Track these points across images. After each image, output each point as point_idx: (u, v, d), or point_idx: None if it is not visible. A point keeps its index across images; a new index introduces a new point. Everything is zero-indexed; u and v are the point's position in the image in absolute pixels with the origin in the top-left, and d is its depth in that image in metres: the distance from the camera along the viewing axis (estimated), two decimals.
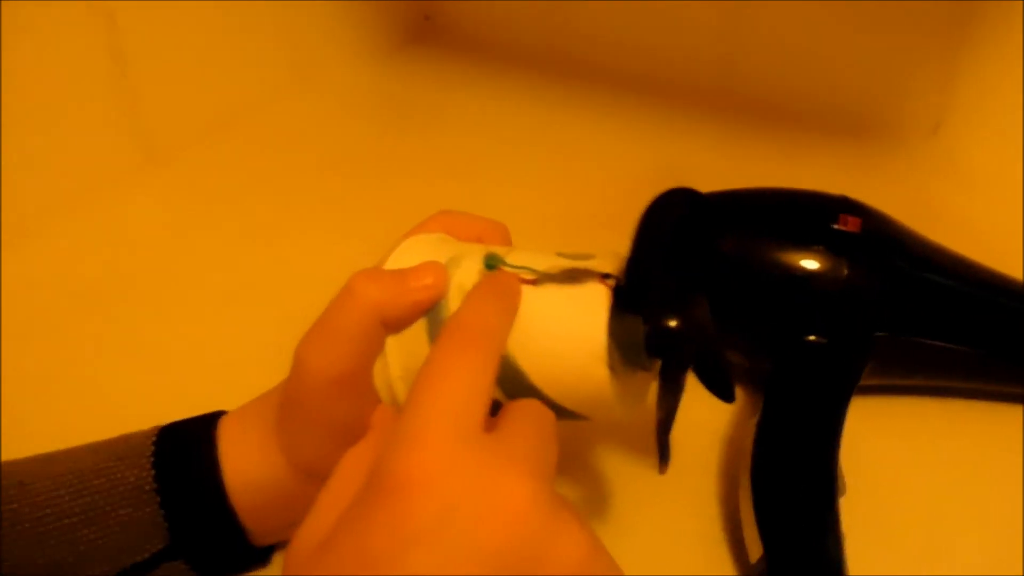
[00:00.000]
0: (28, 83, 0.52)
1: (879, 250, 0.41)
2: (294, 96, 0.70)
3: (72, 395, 0.45)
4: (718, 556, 0.38)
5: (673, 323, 0.31)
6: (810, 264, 0.40)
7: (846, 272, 0.39)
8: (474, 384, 0.25)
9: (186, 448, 0.33)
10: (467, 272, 0.33)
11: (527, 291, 0.32)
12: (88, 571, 0.31)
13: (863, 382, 0.41)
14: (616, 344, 0.32)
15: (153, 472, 0.32)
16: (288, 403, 0.32)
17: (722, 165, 0.60)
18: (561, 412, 0.33)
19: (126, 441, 0.33)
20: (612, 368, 0.31)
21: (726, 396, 0.35)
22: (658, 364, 0.33)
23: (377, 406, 0.33)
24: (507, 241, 0.38)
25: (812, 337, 0.40)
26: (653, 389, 0.34)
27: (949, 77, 0.59)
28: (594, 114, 0.68)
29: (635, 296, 0.31)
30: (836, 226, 0.40)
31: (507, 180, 0.61)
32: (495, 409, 0.31)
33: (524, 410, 0.27)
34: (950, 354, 0.41)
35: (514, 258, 0.33)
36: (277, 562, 0.36)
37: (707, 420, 0.43)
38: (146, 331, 0.49)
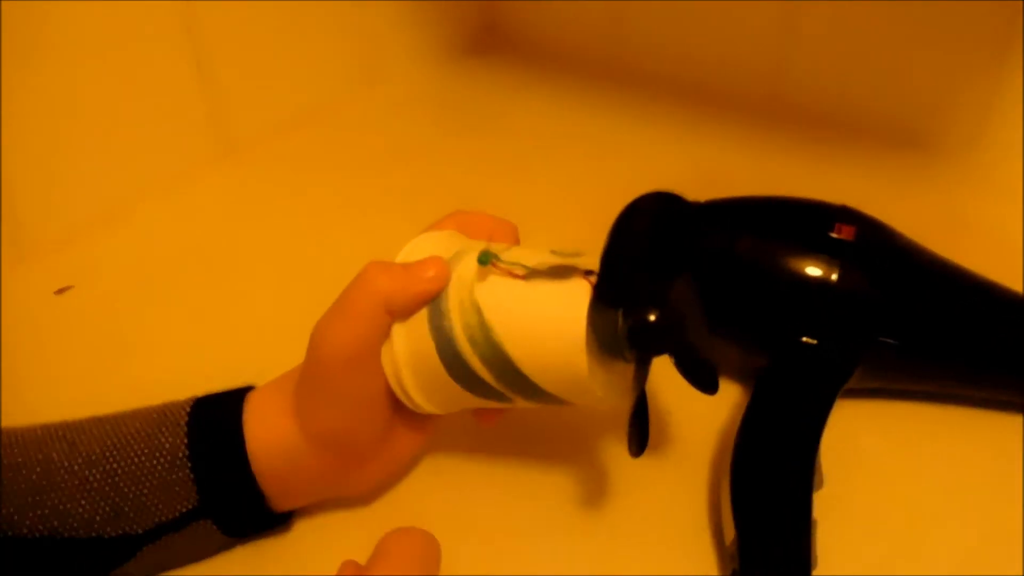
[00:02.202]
0: (116, 79, 0.58)
1: (872, 258, 0.42)
2: (362, 96, 0.75)
3: (145, 363, 0.51)
4: (701, 539, 0.40)
5: (652, 317, 0.34)
6: (804, 268, 0.42)
7: (837, 277, 0.41)
8: None
9: (215, 418, 0.37)
10: (466, 267, 0.36)
11: (518, 285, 0.35)
12: (127, 524, 0.35)
13: (859, 385, 0.43)
14: (597, 335, 0.35)
15: (186, 439, 0.36)
16: (305, 377, 0.37)
17: (765, 173, 0.62)
18: (547, 397, 0.36)
19: (165, 410, 0.37)
20: (593, 357, 0.34)
21: (708, 387, 0.37)
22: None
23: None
24: (515, 239, 0.41)
25: (805, 338, 0.42)
26: None
27: (990, 92, 0.59)
28: (646, 120, 0.70)
29: (611, 291, 0.34)
30: (832, 234, 0.42)
31: (559, 181, 0.65)
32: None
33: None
34: (942, 361, 0.43)
35: (508, 255, 0.36)
36: (298, 527, 0.41)
37: (704, 414, 0.45)
38: (218, 307, 0.55)
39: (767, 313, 0.43)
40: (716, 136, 0.68)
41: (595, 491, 0.42)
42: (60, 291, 0.57)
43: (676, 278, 0.36)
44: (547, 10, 0.79)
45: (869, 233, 0.43)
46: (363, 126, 0.73)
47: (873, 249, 0.42)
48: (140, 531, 0.35)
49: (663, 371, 0.47)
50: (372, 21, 0.74)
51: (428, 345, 0.36)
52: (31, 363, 0.51)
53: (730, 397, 0.46)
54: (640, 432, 0.36)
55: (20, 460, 0.35)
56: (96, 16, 0.56)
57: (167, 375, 0.47)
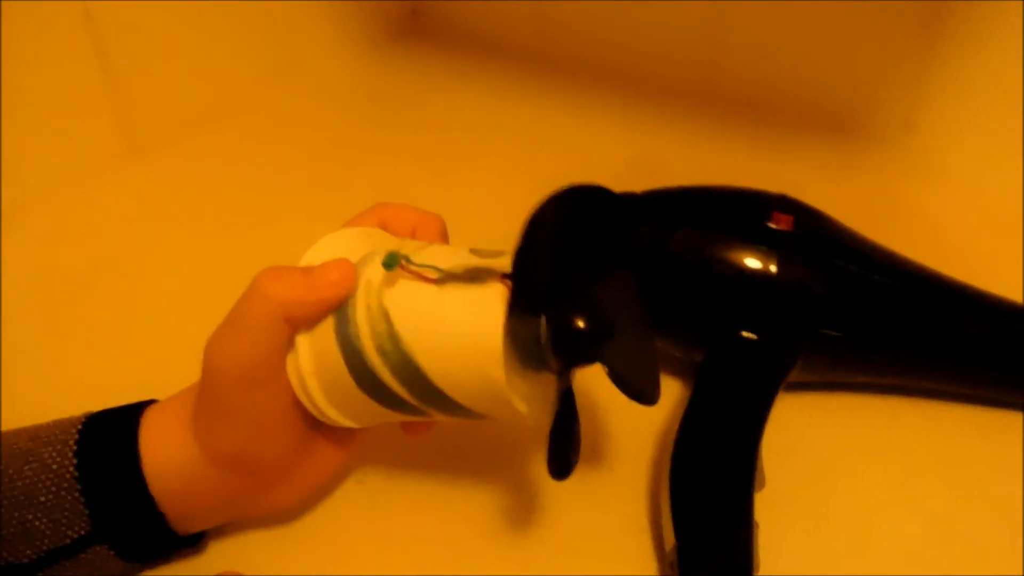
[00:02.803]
0: (10, 74, 0.54)
1: (811, 248, 0.41)
2: (279, 88, 0.71)
3: (41, 378, 0.47)
4: (642, 544, 0.38)
5: (580, 323, 0.31)
6: (741, 260, 0.40)
7: (776, 269, 0.40)
8: None
9: (108, 435, 0.34)
10: (376, 269, 0.33)
11: (429, 290, 0.32)
12: (11, 553, 0.32)
13: (801, 378, 0.42)
14: (517, 345, 0.32)
15: (75, 460, 0.33)
16: (201, 396, 0.33)
17: (699, 161, 0.61)
18: (465, 412, 0.33)
19: (55, 427, 0.34)
20: (512, 370, 0.32)
21: (646, 399, 0.34)
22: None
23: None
24: (442, 233, 0.38)
25: (744, 333, 0.41)
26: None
27: (922, 76, 0.59)
28: (577, 109, 0.68)
29: (530, 296, 0.31)
30: (769, 224, 0.41)
31: (489, 173, 0.62)
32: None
33: None
34: (885, 353, 0.42)
35: (422, 256, 0.33)
36: (212, 548, 0.38)
37: (643, 412, 0.43)
38: (120, 318, 0.51)
39: (704, 307, 0.41)
40: (650, 125, 0.66)
41: (529, 499, 0.40)
42: None
43: (607, 277, 0.34)
44: None
45: (807, 222, 0.41)
46: (281, 120, 0.69)
47: (812, 239, 0.41)
48: (27, 560, 0.32)
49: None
50: (288, 7, 0.70)
51: (335, 356, 0.33)
52: None
53: (670, 394, 0.44)
54: (561, 450, 0.33)
55: None
56: None
57: (62, 387, 0.43)
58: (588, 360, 0.32)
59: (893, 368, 0.42)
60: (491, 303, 0.31)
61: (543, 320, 0.32)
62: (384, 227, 0.37)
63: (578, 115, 0.68)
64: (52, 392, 0.40)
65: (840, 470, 0.41)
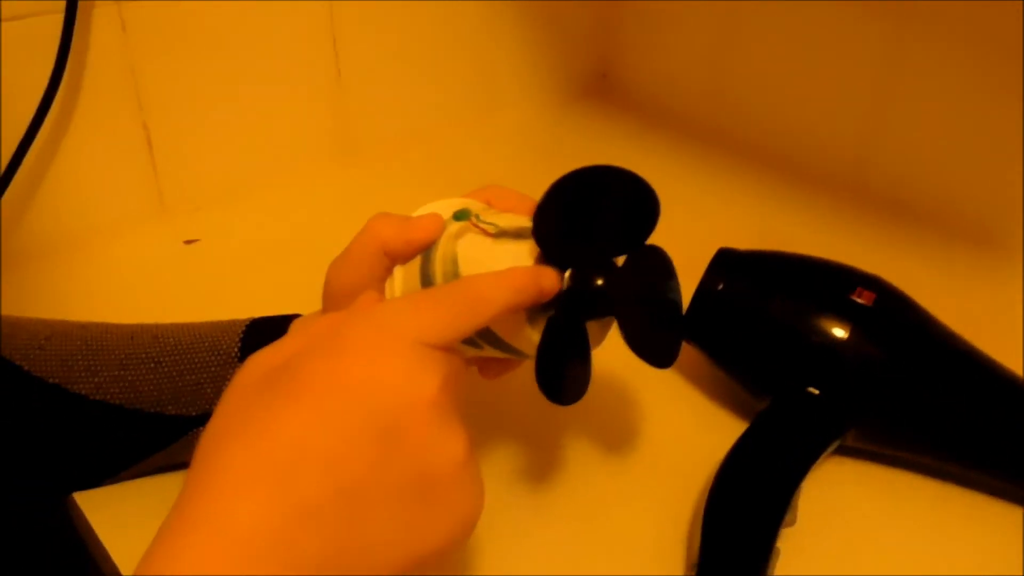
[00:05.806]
0: (268, 75, 0.69)
1: (885, 325, 0.45)
2: (477, 122, 0.83)
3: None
4: (674, 555, 0.43)
5: (598, 281, 0.37)
6: (818, 323, 0.45)
7: (847, 336, 0.44)
8: (450, 325, 0.32)
9: (267, 328, 0.44)
10: (454, 224, 0.41)
11: (487, 242, 0.39)
12: (184, 406, 0.43)
13: (857, 444, 0.46)
14: None
15: (239, 343, 0.43)
16: (323, 309, 0.43)
17: (824, 244, 0.63)
18: (506, 346, 0.39)
19: (229, 322, 0.45)
20: (538, 311, 0.37)
21: (655, 360, 0.39)
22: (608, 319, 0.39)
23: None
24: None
25: (810, 388, 0.45)
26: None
27: None
28: (728, 179, 0.75)
29: (547, 248, 0.36)
30: (852, 296, 0.45)
31: None
32: None
33: None
34: (937, 435, 0.44)
35: (491, 217, 0.40)
36: None
37: (709, 445, 0.48)
38: (304, 284, 0.62)
39: (777, 358, 0.46)
40: (788, 206, 0.71)
41: (575, 500, 0.46)
42: (188, 242, 0.66)
43: (641, 251, 0.39)
44: (656, 67, 0.85)
45: (888, 302, 0.45)
46: (473, 148, 0.80)
47: (888, 317, 0.45)
48: (193, 414, 0.42)
49: (672, 397, 0.50)
50: (497, 56, 0.81)
51: (418, 288, 0.40)
52: (164, 298, 0.60)
53: (735, 434, 0.48)
54: (549, 372, 0.37)
55: (112, 343, 0.43)
56: (258, 24, 0.67)
57: None
58: (600, 313, 0.38)
59: (946, 454, 0.45)
60: (524, 254, 0.38)
61: (568, 275, 0.38)
62: (489, 203, 0.44)
63: (727, 185, 0.74)
64: None
65: (867, 531, 0.44)
